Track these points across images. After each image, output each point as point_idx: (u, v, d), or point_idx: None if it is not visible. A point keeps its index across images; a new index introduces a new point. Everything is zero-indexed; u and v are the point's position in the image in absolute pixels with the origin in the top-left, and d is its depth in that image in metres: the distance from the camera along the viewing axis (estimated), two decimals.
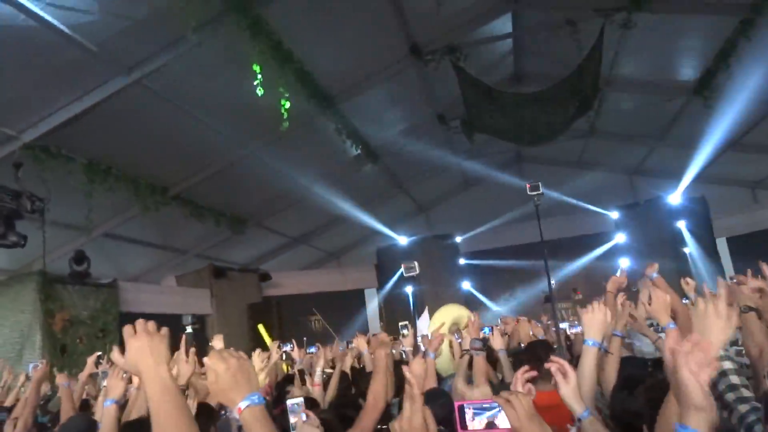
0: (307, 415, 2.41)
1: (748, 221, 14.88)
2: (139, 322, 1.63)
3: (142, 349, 1.57)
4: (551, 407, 2.65)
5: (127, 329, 1.63)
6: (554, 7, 9.73)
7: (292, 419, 2.46)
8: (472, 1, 9.70)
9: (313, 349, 6.89)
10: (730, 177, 15.75)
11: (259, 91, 7.65)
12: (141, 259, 12.86)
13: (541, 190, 4.96)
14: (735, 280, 3.35)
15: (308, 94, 9.35)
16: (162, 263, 13.35)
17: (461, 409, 1.67)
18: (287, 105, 8.16)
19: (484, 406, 1.65)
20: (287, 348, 6.41)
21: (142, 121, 8.74)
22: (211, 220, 11.85)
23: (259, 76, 7.60)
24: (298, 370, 5.11)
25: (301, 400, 2.54)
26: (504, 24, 10.87)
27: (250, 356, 4.76)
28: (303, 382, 4.57)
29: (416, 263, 4.38)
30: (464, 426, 1.62)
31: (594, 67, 9.58)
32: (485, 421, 1.63)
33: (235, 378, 1.48)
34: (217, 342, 5.23)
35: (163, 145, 9.57)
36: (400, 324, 5.74)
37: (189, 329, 11.94)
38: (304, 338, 8.37)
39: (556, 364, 2.21)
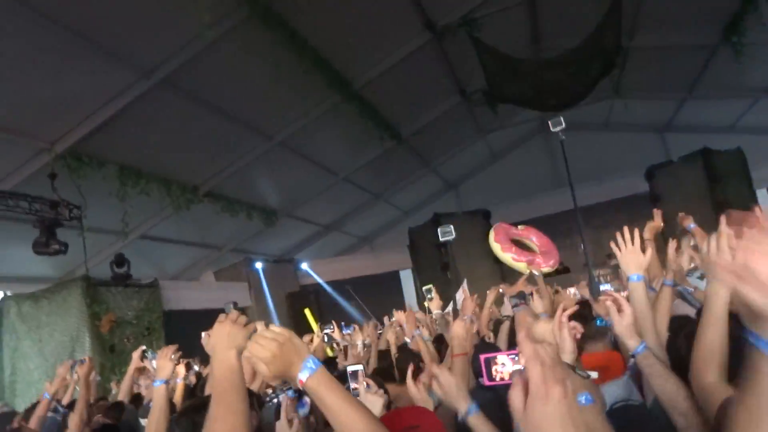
0: (368, 384, 2.43)
1: None
2: (232, 313, 1.77)
3: (222, 333, 1.70)
4: (600, 368, 2.65)
5: (219, 317, 1.76)
6: None
7: (353, 385, 2.49)
8: None
9: (348, 330, 7.01)
10: (766, 125, 15.21)
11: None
12: (179, 257, 13.14)
13: (564, 124, 4.85)
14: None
15: (327, 82, 9.37)
16: (199, 260, 13.64)
17: (487, 361, 1.67)
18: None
19: (510, 356, 1.64)
20: (328, 330, 6.55)
21: (168, 121, 8.88)
22: (242, 214, 12.03)
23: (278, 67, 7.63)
24: (343, 347, 5.21)
25: (361, 367, 2.58)
26: None
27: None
28: (346, 358, 4.65)
29: (452, 227, 4.34)
30: (491, 378, 1.62)
31: (615, 23, 9.33)
32: (511, 370, 1.63)
33: (283, 356, 1.46)
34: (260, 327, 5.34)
35: (191, 143, 9.71)
36: (424, 288, 5.73)
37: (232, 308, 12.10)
38: (342, 322, 8.46)
39: (610, 297, 2.16)
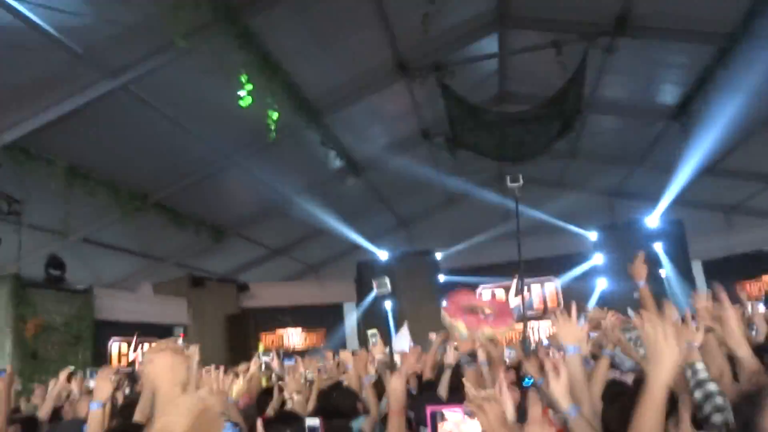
0: None
1: (723, 245, 15.16)
2: (169, 340, 1.70)
3: (164, 366, 1.59)
4: None
5: (158, 344, 1.66)
6: (540, 30, 9.90)
7: None
8: (460, 20, 9.84)
9: (290, 362, 6.83)
10: (706, 201, 16.07)
11: (243, 102, 7.62)
12: (118, 265, 12.68)
13: (521, 182, 4.97)
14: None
15: (295, 106, 9.39)
16: (139, 271, 13.18)
17: (433, 415, 1.68)
18: (275, 116, 8.17)
19: (455, 411, 1.64)
20: (267, 358, 6.37)
21: (125, 127, 8.69)
22: (190, 229, 11.76)
23: (246, 87, 7.60)
24: (277, 379, 5.08)
25: (317, 422, 2.50)
26: (490, 44, 11.03)
27: (227, 368, 4.74)
28: (281, 390, 4.54)
29: (387, 279, 4.32)
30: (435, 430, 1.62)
31: (576, 90, 9.77)
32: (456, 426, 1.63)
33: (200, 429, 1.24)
34: (193, 353, 5.16)
35: (146, 152, 9.51)
36: (368, 332, 5.70)
37: (180, 341, 11.61)
38: (280, 350, 8.30)
39: (549, 361, 2.17)
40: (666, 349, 1.70)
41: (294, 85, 9.08)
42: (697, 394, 2.25)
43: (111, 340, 11.01)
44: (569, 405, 2.10)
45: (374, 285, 5.25)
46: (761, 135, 11.68)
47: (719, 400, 2.20)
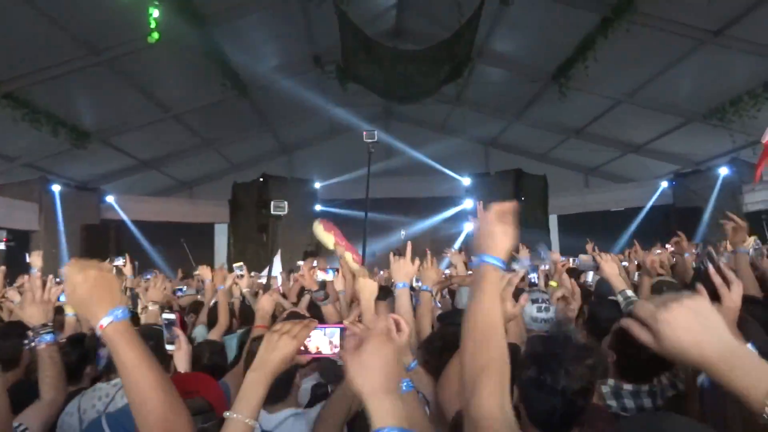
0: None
1: (578, 203, 16.60)
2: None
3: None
4: None
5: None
6: None
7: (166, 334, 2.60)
8: None
9: (149, 276, 6.55)
10: (569, 161, 17.36)
11: None
12: None
13: (376, 138, 5.07)
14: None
15: (178, 8, 8.63)
16: None
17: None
18: (155, 14, 7.46)
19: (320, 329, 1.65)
20: (118, 262, 5.91)
21: None
22: (48, 128, 10.61)
23: None
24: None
25: (173, 317, 2.69)
26: None
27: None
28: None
29: (286, 204, 4.24)
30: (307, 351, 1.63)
31: (469, 36, 9.91)
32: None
33: (94, 291, 1.35)
34: (36, 259, 4.82)
35: (1, 35, 8.32)
36: (234, 265, 5.61)
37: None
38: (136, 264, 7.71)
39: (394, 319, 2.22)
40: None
41: None
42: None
43: None
44: (410, 360, 2.32)
45: (272, 205, 5.11)
46: (626, 106, 12.70)
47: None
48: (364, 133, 4.92)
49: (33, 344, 2.35)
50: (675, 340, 1.06)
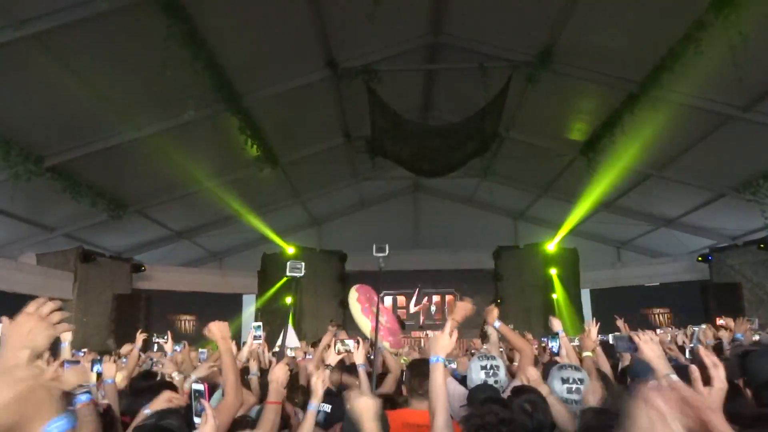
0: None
1: (611, 277, 16.24)
2: (46, 305, 1.44)
3: (22, 328, 1.38)
4: (420, 426, 2.94)
5: (29, 306, 1.43)
6: (470, 50, 10.17)
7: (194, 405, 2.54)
8: (395, 29, 9.91)
9: (177, 348, 6.55)
10: (600, 234, 17.16)
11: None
12: (0, 229, 11.66)
13: (387, 252, 4.77)
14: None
15: (216, 86, 9.06)
16: (24, 238, 12.19)
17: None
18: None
19: None
20: (161, 340, 6.01)
21: (27, 80, 8.02)
22: (87, 200, 11.00)
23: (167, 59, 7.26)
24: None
25: (202, 387, 2.59)
26: (421, 56, 11.20)
27: (112, 350, 4.50)
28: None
29: (303, 264, 4.20)
30: None
31: (496, 112, 10.12)
32: None
33: (23, 405, 1.15)
34: (66, 334, 4.86)
35: (47, 110, 8.82)
36: (253, 325, 5.55)
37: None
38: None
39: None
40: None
41: (218, 64, 8.77)
42: None
43: None
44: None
45: (288, 266, 5.05)
46: (655, 180, 12.63)
47: None
48: (375, 246, 4.66)
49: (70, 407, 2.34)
50: None
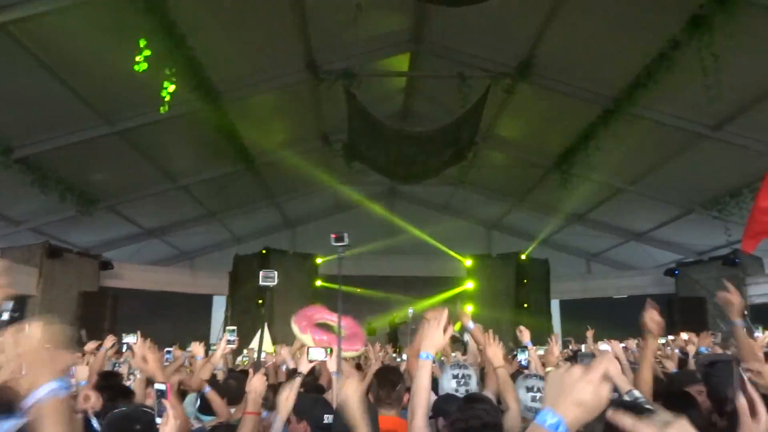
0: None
1: (580, 288, 16.47)
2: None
3: None
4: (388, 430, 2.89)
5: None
6: (450, 59, 10.24)
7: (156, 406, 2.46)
8: (376, 34, 9.94)
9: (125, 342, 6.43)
10: (572, 246, 17.40)
11: (138, 68, 7.18)
12: None
13: (346, 241, 4.53)
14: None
15: (194, 85, 8.95)
16: None
17: None
18: (170, 88, 7.73)
19: None
20: (130, 339, 5.84)
21: None
22: (56, 194, 10.74)
23: (144, 52, 7.15)
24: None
25: (164, 387, 2.51)
26: (401, 62, 11.25)
27: (85, 342, 4.40)
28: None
29: (276, 273, 4.13)
30: None
31: (474, 122, 10.20)
32: None
33: (31, 361, 1.30)
34: (36, 330, 4.73)
35: (17, 101, 8.60)
36: (227, 328, 5.46)
37: (5, 316, 10.08)
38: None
39: None
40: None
41: (196, 62, 8.66)
42: None
43: None
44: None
45: (261, 276, 4.92)
46: (626, 194, 12.87)
47: None
48: (333, 236, 4.40)
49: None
50: None
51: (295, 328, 5.57)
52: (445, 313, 2.63)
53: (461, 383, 3.50)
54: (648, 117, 9.53)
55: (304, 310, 6.26)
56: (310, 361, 3.50)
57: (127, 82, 8.23)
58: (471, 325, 4.08)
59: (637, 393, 3.05)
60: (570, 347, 9.26)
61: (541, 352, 5.10)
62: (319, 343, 4.78)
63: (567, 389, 1.22)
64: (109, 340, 5.64)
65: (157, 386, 2.62)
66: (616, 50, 8.67)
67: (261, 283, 4.25)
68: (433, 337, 2.51)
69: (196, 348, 4.98)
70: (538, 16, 8.51)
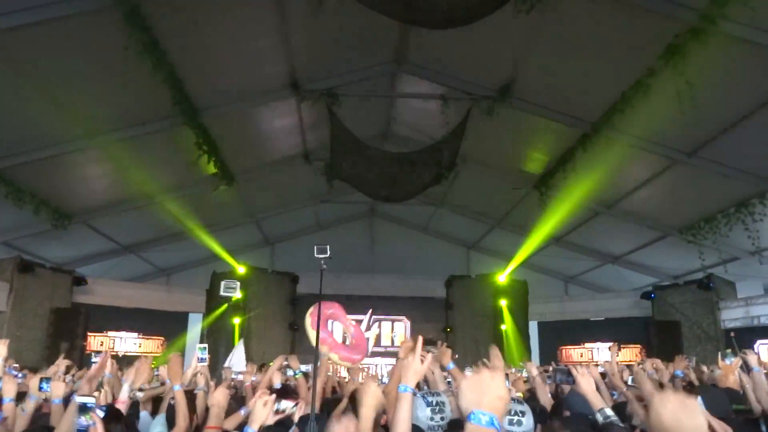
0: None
1: (558, 310, 16.56)
2: None
3: None
4: None
5: None
6: (432, 81, 10.36)
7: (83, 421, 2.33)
8: (359, 54, 10.02)
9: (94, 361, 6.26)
10: (550, 267, 17.52)
11: None
12: None
13: (329, 253, 4.51)
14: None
15: (174, 100, 8.90)
16: None
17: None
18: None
19: None
20: (95, 360, 5.71)
21: None
22: (30, 207, 10.52)
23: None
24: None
25: (93, 400, 2.43)
26: (384, 83, 11.34)
27: (44, 365, 4.27)
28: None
29: (238, 284, 4.06)
30: None
31: (455, 143, 10.29)
32: None
33: None
34: (1, 347, 4.64)
35: None
36: (198, 346, 5.35)
37: None
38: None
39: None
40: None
41: (177, 78, 8.62)
42: None
43: None
44: None
45: (222, 286, 4.82)
46: (603, 217, 13.05)
47: None
48: (316, 247, 4.38)
49: None
50: None
51: (308, 320, 5.48)
52: (420, 341, 2.59)
53: (436, 410, 3.44)
54: (625, 142, 9.70)
55: (324, 304, 6.16)
56: (276, 412, 3.23)
57: (107, 98, 8.17)
58: (451, 365, 4.04)
59: (609, 411, 3.06)
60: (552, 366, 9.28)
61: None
62: (321, 341, 4.72)
63: (486, 389, 1.43)
64: (62, 364, 5.58)
65: (81, 399, 2.46)
66: (595, 76, 8.85)
67: (222, 293, 4.18)
68: (416, 369, 2.44)
69: (164, 372, 4.85)
70: (519, 41, 8.66)
